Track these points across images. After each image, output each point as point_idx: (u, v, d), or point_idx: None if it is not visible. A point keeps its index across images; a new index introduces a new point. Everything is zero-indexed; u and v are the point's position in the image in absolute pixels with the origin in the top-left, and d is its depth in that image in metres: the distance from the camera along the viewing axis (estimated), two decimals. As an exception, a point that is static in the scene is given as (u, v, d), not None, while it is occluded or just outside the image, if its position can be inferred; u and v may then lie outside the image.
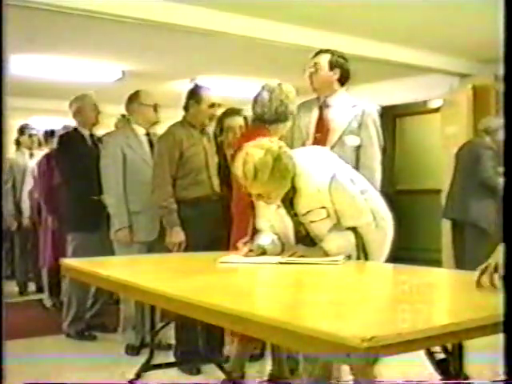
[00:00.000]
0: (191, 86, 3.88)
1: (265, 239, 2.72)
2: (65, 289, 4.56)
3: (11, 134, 6.46)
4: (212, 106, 3.71)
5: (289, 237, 2.68)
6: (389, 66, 6.05)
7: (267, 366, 3.43)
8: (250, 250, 2.65)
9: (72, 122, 4.68)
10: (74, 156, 4.37)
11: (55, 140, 5.16)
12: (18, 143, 6.27)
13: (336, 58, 3.34)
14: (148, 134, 4.05)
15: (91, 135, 4.50)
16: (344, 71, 3.35)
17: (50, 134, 5.78)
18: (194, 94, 3.74)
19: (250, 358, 3.28)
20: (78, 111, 4.47)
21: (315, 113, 3.35)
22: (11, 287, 6.25)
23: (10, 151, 6.35)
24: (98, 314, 4.63)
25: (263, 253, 2.66)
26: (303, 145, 3.21)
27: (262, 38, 4.98)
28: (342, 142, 3.26)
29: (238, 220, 3.13)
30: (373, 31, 5.23)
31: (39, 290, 6.07)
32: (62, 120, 5.48)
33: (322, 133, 3.29)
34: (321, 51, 3.39)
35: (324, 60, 3.33)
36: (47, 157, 5.21)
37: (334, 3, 4.45)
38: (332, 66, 3.33)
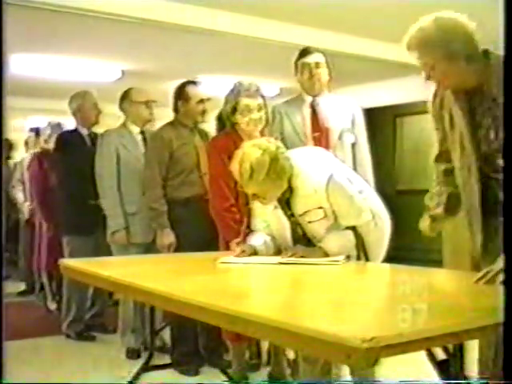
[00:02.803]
0: (176, 85, 3.78)
1: (257, 240, 2.71)
2: (64, 290, 4.54)
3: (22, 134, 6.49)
4: (201, 101, 3.65)
5: (286, 237, 2.67)
6: (389, 66, 6.04)
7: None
8: (243, 251, 2.65)
9: (56, 119, 4.61)
10: (72, 157, 4.28)
11: (42, 139, 5.13)
12: (26, 144, 6.22)
13: (328, 60, 3.36)
14: (143, 133, 3.98)
15: (90, 135, 4.39)
16: (331, 74, 3.38)
17: (36, 133, 5.76)
18: (181, 93, 3.68)
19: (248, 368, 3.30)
20: (77, 109, 4.38)
21: (307, 112, 3.34)
22: (11, 287, 6.24)
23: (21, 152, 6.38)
24: (97, 315, 4.60)
25: (254, 253, 2.66)
26: (304, 145, 3.21)
27: (262, 38, 4.98)
28: (341, 140, 3.28)
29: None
30: (373, 31, 5.22)
31: (32, 290, 6.06)
32: (61, 120, 5.45)
33: (320, 132, 3.29)
34: (309, 51, 3.38)
35: (323, 60, 3.34)
36: (38, 158, 5.11)
37: (335, 3, 4.45)
38: (328, 65, 3.36)
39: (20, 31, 4.60)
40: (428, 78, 2.08)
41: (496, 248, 1.99)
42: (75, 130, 4.43)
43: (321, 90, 3.35)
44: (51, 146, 4.82)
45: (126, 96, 4.00)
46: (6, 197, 5.64)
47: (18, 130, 7.34)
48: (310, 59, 3.33)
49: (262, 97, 3.09)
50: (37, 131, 5.82)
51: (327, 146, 3.19)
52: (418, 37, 2.03)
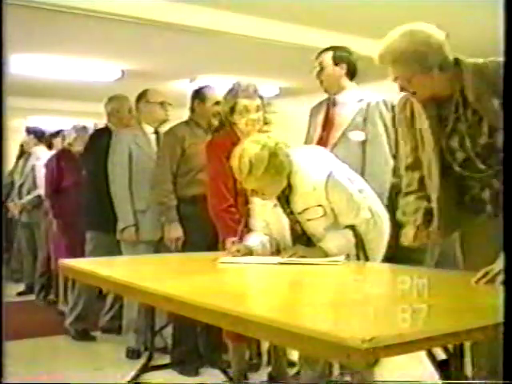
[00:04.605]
0: (196, 86, 3.87)
1: (252, 240, 2.71)
2: (75, 286, 4.53)
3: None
4: (217, 103, 3.67)
5: (285, 236, 2.68)
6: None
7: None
8: (237, 250, 2.65)
9: (56, 119, 4.57)
10: (104, 155, 4.20)
11: (66, 142, 5.15)
12: (49, 145, 6.21)
13: (340, 53, 3.34)
14: (157, 133, 4.02)
15: None
16: (350, 65, 3.33)
17: (39, 135, 5.83)
18: (199, 94, 3.76)
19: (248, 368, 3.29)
20: (116, 110, 4.38)
21: (323, 111, 3.36)
22: (11, 287, 6.23)
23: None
24: (115, 318, 4.55)
25: (250, 253, 2.66)
26: (311, 142, 3.21)
27: (262, 38, 4.98)
28: (346, 137, 3.23)
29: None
30: (373, 30, 5.21)
31: (32, 290, 6.05)
32: (61, 120, 5.46)
33: (327, 130, 3.29)
34: (324, 50, 3.39)
35: (328, 57, 3.34)
36: (56, 158, 5.14)
37: (336, 3, 4.45)
38: (336, 61, 3.32)
39: (20, 31, 4.60)
40: (402, 89, 2.14)
41: (480, 245, 2.02)
42: (108, 130, 4.40)
43: (335, 87, 3.32)
44: (78, 148, 4.87)
45: (142, 96, 4.06)
46: None
47: (18, 130, 7.32)
48: (316, 60, 3.35)
49: (261, 97, 3.09)
50: (35, 133, 5.85)
51: (326, 143, 3.19)
52: (392, 52, 2.09)
